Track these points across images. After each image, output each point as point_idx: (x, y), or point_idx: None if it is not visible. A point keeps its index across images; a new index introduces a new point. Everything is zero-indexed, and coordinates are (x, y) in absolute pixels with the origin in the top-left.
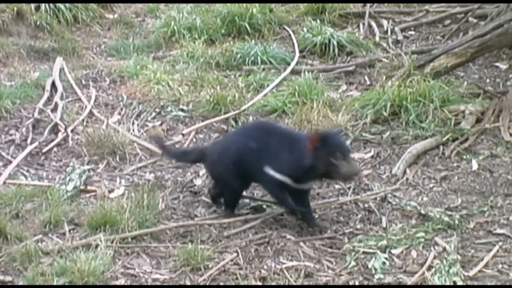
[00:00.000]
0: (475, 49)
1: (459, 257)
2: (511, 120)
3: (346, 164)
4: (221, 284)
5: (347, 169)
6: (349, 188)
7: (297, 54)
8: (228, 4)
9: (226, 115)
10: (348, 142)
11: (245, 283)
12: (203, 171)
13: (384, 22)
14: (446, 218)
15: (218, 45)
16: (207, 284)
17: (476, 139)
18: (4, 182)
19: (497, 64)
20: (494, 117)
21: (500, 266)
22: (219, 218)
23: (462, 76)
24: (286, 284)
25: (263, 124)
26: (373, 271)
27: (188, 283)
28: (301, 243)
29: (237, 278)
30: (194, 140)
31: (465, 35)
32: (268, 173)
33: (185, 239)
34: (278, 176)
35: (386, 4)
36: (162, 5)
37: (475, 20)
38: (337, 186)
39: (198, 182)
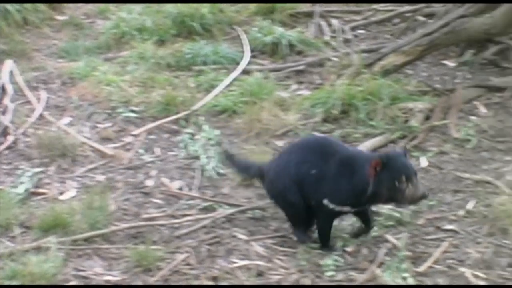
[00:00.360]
0: (424, 47)
1: (409, 253)
2: (460, 117)
3: (412, 187)
4: (173, 284)
5: (413, 192)
6: None
7: (248, 54)
8: (179, 5)
9: (177, 116)
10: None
11: (197, 283)
12: (154, 172)
13: (334, 21)
14: (396, 215)
15: (168, 46)
16: (160, 284)
17: (425, 136)
18: None
19: (445, 62)
20: (443, 115)
21: (449, 261)
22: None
23: (411, 74)
24: (238, 283)
25: (322, 144)
26: (325, 269)
27: (140, 284)
28: (253, 242)
29: (189, 278)
30: (146, 141)
31: (414, 34)
32: (327, 205)
33: (137, 240)
34: (337, 208)
35: (335, 3)
36: (112, 6)
37: (423, 19)
38: None
39: (149, 183)
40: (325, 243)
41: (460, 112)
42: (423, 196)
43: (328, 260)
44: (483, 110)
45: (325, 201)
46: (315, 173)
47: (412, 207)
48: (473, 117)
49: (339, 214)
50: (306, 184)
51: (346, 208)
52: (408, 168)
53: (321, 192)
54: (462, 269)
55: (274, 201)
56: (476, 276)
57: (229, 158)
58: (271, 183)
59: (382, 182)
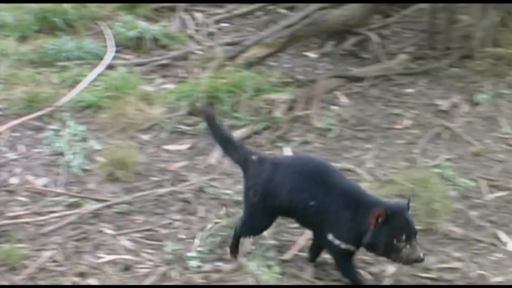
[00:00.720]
0: (285, 39)
1: (275, 242)
2: (322, 107)
3: (409, 248)
4: (40, 283)
5: (408, 253)
6: (166, 179)
7: (112, 48)
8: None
9: (41, 112)
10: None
11: (64, 279)
12: (18, 169)
13: (197, 15)
14: None
15: (31, 42)
16: (25, 284)
17: (289, 126)
18: None
19: (306, 53)
20: (305, 105)
21: None
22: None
23: (274, 66)
24: (105, 278)
25: (321, 173)
26: (191, 260)
27: (6, 283)
28: (119, 237)
29: (55, 276)
30: (9, 139)
31: (276, 26)
32: (333, 241)
33: (1, 239)
34: (343, 245)
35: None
36: None
37: (285, 11)
38: (154, 178)
39: (13, 181)
40: (357, 282)
41: (322, 102)
42: (418, 260)
43: (193, 252)
44: (343, 99)
45: (330, 237)
46: (315, 205)
47: None
48: (334, 107)
49: (350, 253)
50: (302, 214)
51: (351, 248)
52: (410, 227)
53: (324, 226)
54: (325, 255)
55: (245, 204)
56: None
57: (209, 119)
58: (255, 194)
59: (381, 235)
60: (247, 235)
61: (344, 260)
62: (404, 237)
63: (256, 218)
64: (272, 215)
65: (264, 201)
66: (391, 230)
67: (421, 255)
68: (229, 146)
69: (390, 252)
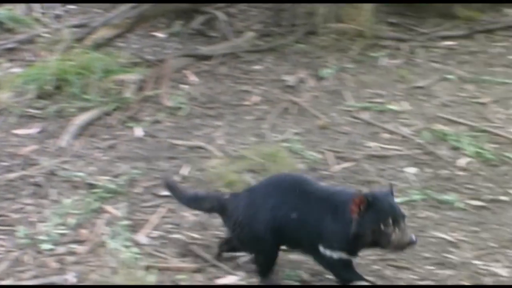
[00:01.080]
0: (133, 20)
1: (129, 222)
2: (171, 87)
3: (399, 232)
4: None
5: (399, 238)
6: (16, 164)
7: None
8: None
9: None
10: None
11: None
12: None
13: None
14: (114, 186)
15: None
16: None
17: (139, 107)
18: None
19: (155, 33)
20: (155, 85)
21: (167, 226)
22: None
23: (123, 47)
24: None
25: (297, 183)
26: (43, 243)
27: None
28: None
29: None
30: None
31: (123, 7)
32: (324, 254)
33: None
34: (335, 255)
35: None
36: None
37: None
38: (4, 163)
39: None
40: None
41: (171, 81)
42: (411, 243)
43: (45, 236)
44: (192, 78)
45: (321, 249)
46: (297, 217)
47: (130, 177)
48: (184, 86)
49: (347, 263)
50: (287, 230)
51: (344, 255)
52: (396, 210)
53: (311, 238)
54: (179, 233)
55: (241, 245)
56: (192, 238)
57: (171, 188)
58: (241, 227)
59: (366, 223)
60: (267, 269)
61: (344, 272)
62: (390, 221)
63: (263, 252)
64: (273, 242)
65: (256, 230)
66: (376, 215)
67: (413, 237)
68: (198, 202)
69: (379, 240)
